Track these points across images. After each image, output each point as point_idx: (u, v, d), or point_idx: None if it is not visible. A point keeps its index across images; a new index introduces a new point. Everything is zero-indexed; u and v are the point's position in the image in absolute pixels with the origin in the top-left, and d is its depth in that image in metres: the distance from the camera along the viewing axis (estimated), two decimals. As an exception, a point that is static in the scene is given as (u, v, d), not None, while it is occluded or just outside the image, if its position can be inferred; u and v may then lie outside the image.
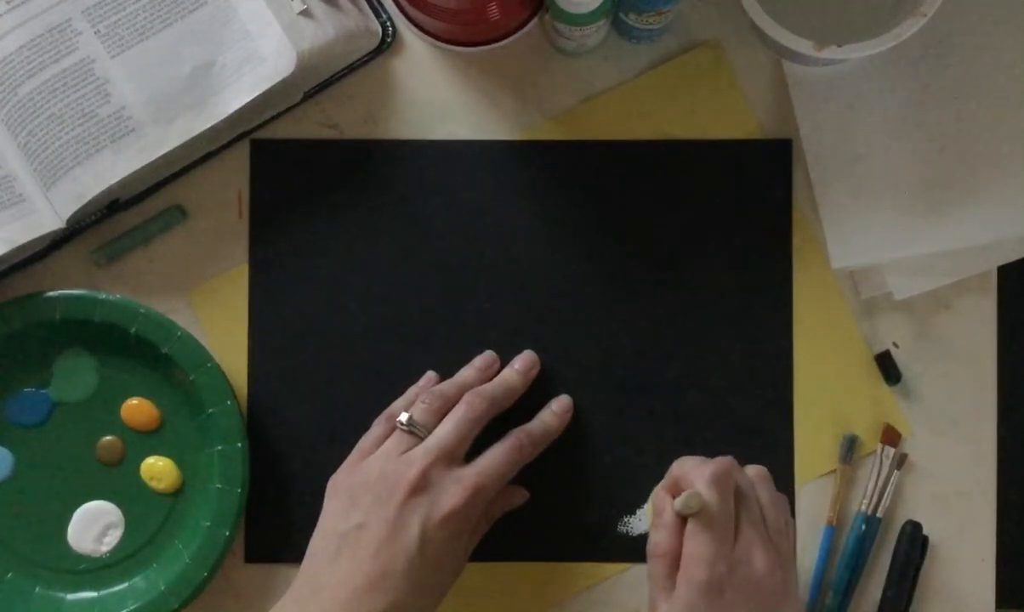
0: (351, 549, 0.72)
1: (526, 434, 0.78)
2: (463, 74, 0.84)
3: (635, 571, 0.82)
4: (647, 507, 0.82)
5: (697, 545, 0.70)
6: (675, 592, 0.71)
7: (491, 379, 0.80)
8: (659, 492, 0.75)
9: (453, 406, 0.77)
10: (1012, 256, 0.81)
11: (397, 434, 0.76)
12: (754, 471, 0.76)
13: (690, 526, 0.71)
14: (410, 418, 0.76)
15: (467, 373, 0.80)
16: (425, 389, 0.79)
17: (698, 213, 0.83)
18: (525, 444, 0.78)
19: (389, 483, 0.73)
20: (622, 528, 0.82)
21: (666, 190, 0.83)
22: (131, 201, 0.83)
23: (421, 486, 0.73)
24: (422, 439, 0.75)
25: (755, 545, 0.71)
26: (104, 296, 0.81)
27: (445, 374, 0.81)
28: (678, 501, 0.71)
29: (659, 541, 0.72)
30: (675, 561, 0.72)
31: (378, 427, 0.78)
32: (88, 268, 0.83)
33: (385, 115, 0.84)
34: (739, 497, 0.73)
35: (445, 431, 0.75)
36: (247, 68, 0.79)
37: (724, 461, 0.74)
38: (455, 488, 0.73)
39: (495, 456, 0.76)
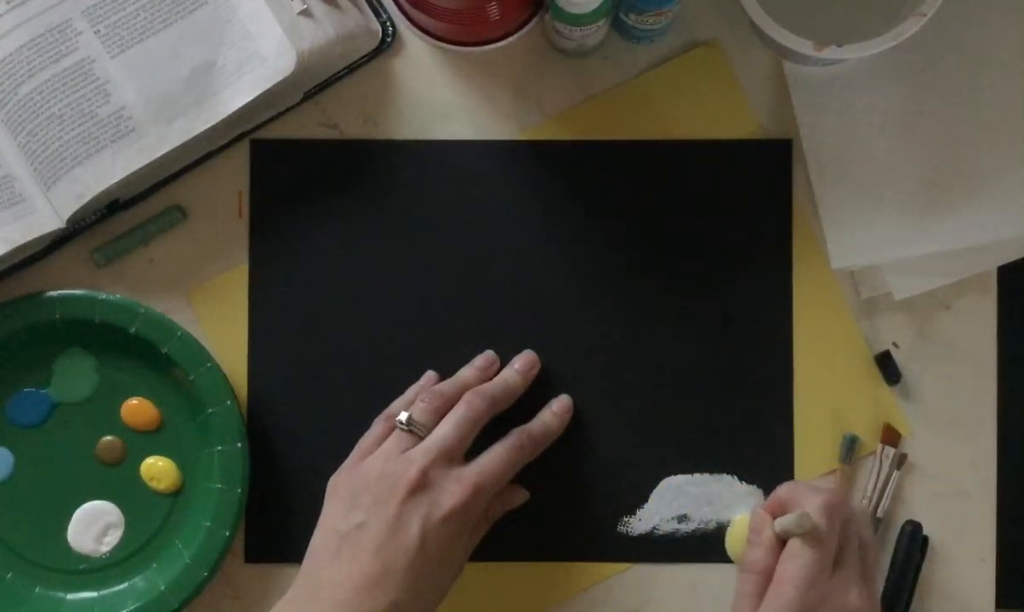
0: (352, 548, 0.72)
1: (526, 434, 0.78)
2: (463, 74, 0.84)
3: (635, 571, 0.82)
4: (737, 519, 0.81)
5: (795, 567, 0.70)
6: (762, 608, 0.70)
7: (491, 379, 0.80)
8: (759, 511, 0.74)
9: (453, 406, 0.77)
10: (1012, 256, 0.81)
11: (397, 433, 0.76)
12: (860, 509, 0.76)
13: (791, 546, 0.71)
14: (409, 417, 0.76)
15: (467, 373, 0.80)
16: (425, 389, 0.79)
17: (698, 213, 0.83)
18: (525, 444, 0.78)
19: (389, 482, 0.73)
20: (622, 528, 0.82)
21: (666, 190, 0.83)
22: (131, 201, 0.83)
23: (421, 485, 0.73)
24: (422, 438, 0.75)
25: (853, 581, 0.70)
26: (104, 296, 0.81)
27: (445, 374, 0.81)
28: (785, 520, 0.71)
29: (757, 558, 0.72)
30: (767, 580, 0.71)
31: (378, 426, 0.78)
32: (88, 268, 0.83)
33: (385, 115, 0.84)
34: (844, 530, 0.72)
35: (445, 430, 0.75)
36: (247, 68, 0.79)
37: (838, 492, 0.74)
38: (455, 487, 0.73)
39: (495, 455, 0.76)
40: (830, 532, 0.71)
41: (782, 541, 0.72)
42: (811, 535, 0.70)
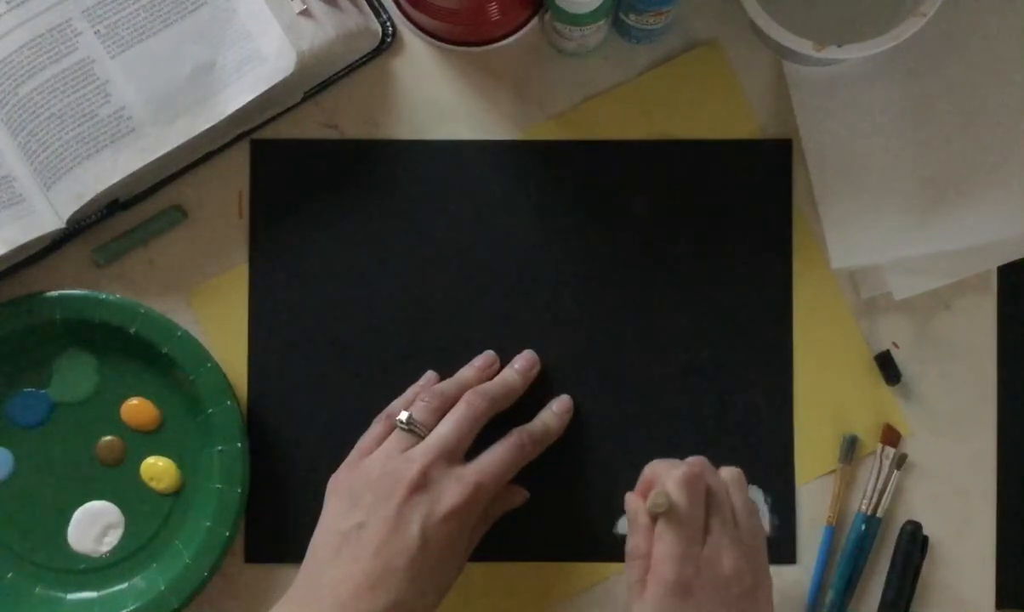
0: (352, 548, 0.72)
1: (527, 434, 0.78)
2: (463, 74, 0.84)
3: (635, 571, 0.82)
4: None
5: (665, 545, 0.70)
6: (644, 592, 0.70)
7: (491, 378, 0.80)
8: (631, 496, 0.74)
9: (453, 405, 0.77)
10: (1012, 256, 0.81)
11: (397, 433, 0.76)
12: (728, 473, 0.75)
13: (658, 526, 0.70)
14: (410, 417, 0.76)
15: (467, 372, 0.80)
16: (425, 388, 0.79)
17: (698, 213, 0.83)
18: (526, 443, 0.78)
19: (389, 482, 0.73)
20: (622, 528, 0.82)
21: (666, 190, 0.83)
22: (131, 201, 0.83)
23: (421, 484, 0.73)
24: (422, 438, 0.75)
25: (724, 547, 0.71)
26: (104, 296, 0.81)
27: (445, 374, 0.81)
28: (648, 501, 0.71)
29: (636, 544, 0.72)
30: (647, 561, 0.71)
31: (378, 426, 0.78)
32: (88, 268, 0.83)
33: (385, 115, 0.84)
34: (710, 499, 0.72)
35: (445, 430, 0.75)
36: (247, 68, 0.79)
37: (695, 462, 0.73)
38: (455, 486, 0.73)
39: (495, 455, 0.76)
40: (692, 504, 0.70)
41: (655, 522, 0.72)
42: (672, 511, 0.70)
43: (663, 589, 0.69)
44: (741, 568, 0.70)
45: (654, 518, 0.71)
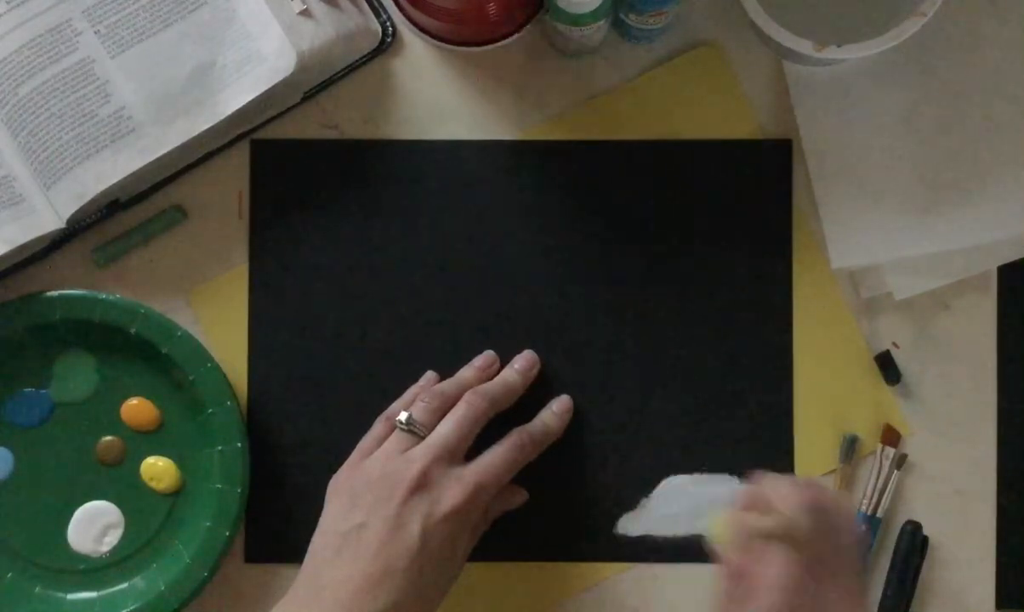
0: (352, 549, 0.72)
1: (527, 434, 0.78)
2: (463, 74, 0.84)
3: (635, 571, 0.82)
4: (709, 519, 0.74)
5: (778, 573, 0.66)
6: None
7: (491, 379, 0.80)
8: (738, 508, 0.70)
9: (453, 405, 0.77)
10: (1012, 256, 0.81)
11: (397, 433, 0.76)
12: (844, 505, 0.71)
13: (772, 549, 0.67)
14: (409, 417, 0.76)
15: (467, 373, 0.80)
16: (425, 389, 0.79)
17: (698, 213, 0.83)
18: (526, 443, 0.78)
19: (390, 482, 0.73)
20: (622, 528, 0.82)
21: (666, 190, 0.83)
22: (131, 201, 0.83)
23: (422, 485, 0.73)
24: (422, 438, 0.75)
25: (838, 584, 0.67)
26: (104, 296, 0.81)
27: (445, 374, 0.81)
28: (765, 521, 0.67)
29: (739, 562, 0.68)
30: (746, 582, 0.67)
31: (378, 426, 0.78)
32: (88, 268, 0.83)
33: (385, 115, 0.84)
34: (826, 528, 0.68)
35: (445, 430, 0.75)
36: (247, 68, 0.79)
37: (822, 489, 0.70)
38: (456, 486, 0.73)
39: (496, 455, 0.76)
40: (816, 534, 0.67)
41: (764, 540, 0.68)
42: (793, 537, 0.66)
43: None
44: (851, 607, 0.67)
45: (766, 538, 0.67)
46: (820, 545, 0.67)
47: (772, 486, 0.70)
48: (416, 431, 0.76)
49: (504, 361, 0.82)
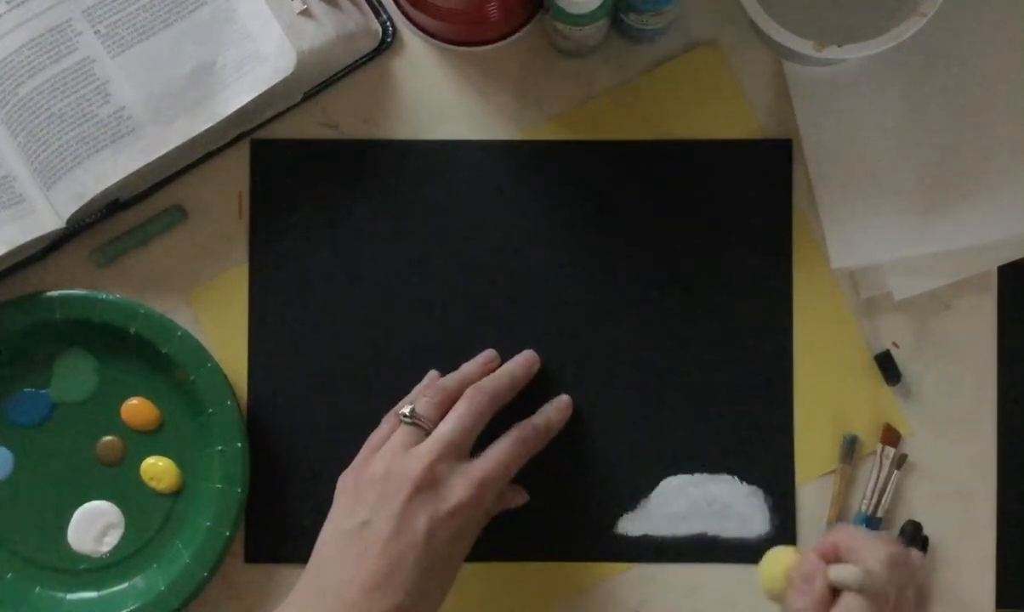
0: (357, 547, 0.72)
1: (531, 427, 0.78)
2: (463, 74, 0.84)
3: (635, 571, 0.82)
4: (775, 553, 0.71)
5: None
6: None
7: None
8: (812, 556, 0.67)
9: (456, 399, 0.77)
10: (1012, 256, 0.81)
11: (401, 428, 0.76)
12: (918, 559, 0.70)
13: (846, 601, 0.65)
14: (413, 410, 0.76)
15: (470, 367, 0.80)
16: (428, 386, 0.79)
17: (698, 213, 0.83)
18: (529, 437, 0.78)
19: (395, 480, 0.73)
20: (622, 528, 0.82)
21: (666, 190, 0.83)
22: (131, 201, 0.83)
23: (427, 481, 0.73)
24: (427, 432, 0.75)
25: None
26: (104, 296, 0.81)
27: (445, 374, 0.81)
28: (843, 571, 0.65)
29: (804, 608, 0.66)
30: None
31: (386, 424, 0.78)
32: (88, 268, 0.83)
33: (385, 115, 0.84)
34: (903, 585, 0.67)
35: (449, 426, 0.75)
36: (247, 68, 0.79)
37: (900, 547, 0.68)
38: (461, 482, 0.73)
39: (500, 450, 0.76)
40: (894, 590, 0.65)
41: (834, 592, 0.66)
42: (871, 591, 0.64)
43: None
44: None
45: (836, 588, 0.66)
46: (894, 601, 0.66)
47: (850, 537, 0.68)
48: (421, 424, 0.75)
49: (504, 361, 0.82)
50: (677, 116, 0.83)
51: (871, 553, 0.66)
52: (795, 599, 0.67)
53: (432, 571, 0.72)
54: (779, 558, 0.70)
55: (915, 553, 0.70)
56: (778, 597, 0.69)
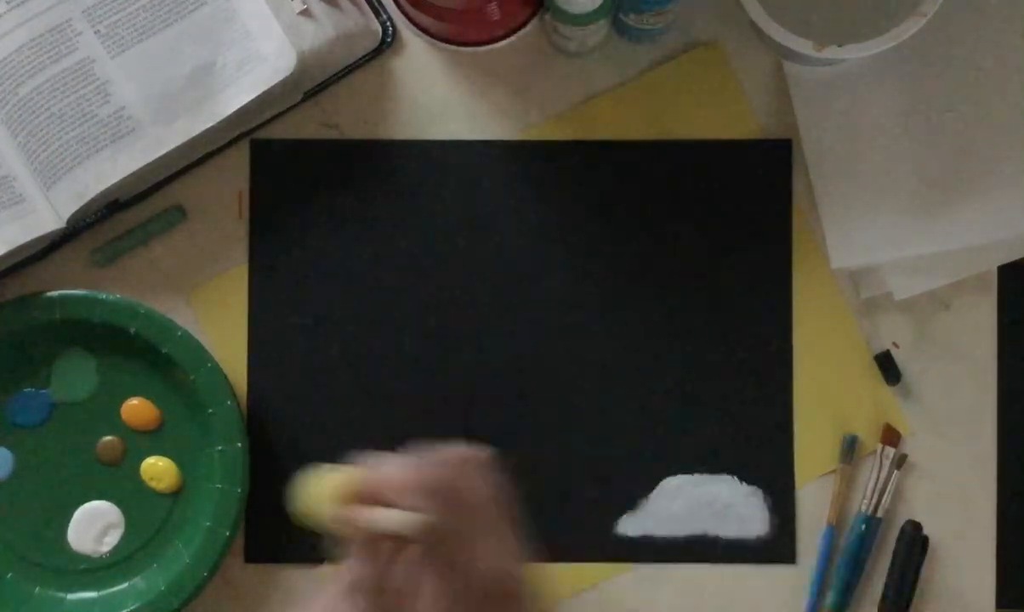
0: None
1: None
2: (463, 74, 0.84)
3: (635, 571, 0.82)
4: (319, 476, 0.63)
5: (430, 580, 0.57)
6: None
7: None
8: (347, 507, 0.59)
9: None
10: (1012, 256, 0.81)
11: None
12: (467, 455, 0.62)
13: (412, 553, 0.58)
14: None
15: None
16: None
17: (698, 213, 0.83)
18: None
19: None
20: (622, 528, 0.82)
21: (666, 190, 0.83)
22: (131, 201, 0.83)
23: None
24: None
25: (497, 559, 0.59)
26: (104, 296, 0.81)
27: (444, 375, 0.81)
28: (386, 520, 0.58)
29: (359, 570, 0.59)
30: (386, 595, 0.58)
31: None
32: (88, 268, 0.83)
33: (385, 115, 0.84)
34: (462, 499, 0.59)
35: None
36: (247, 68, 0.79)
37: (438, 463, 0.60)
38: None
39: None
40: (445, 513, 0.58)
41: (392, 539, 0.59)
42: (425, 532, 0.57)
43: None
44: (507, 567, 0.60)
45: (398, 541, 0.58)
46: (458, 521, 0.58)
47: (382, 474, 0.60)
48: None
49: (502, 363, 0.82)
50: (677, 116, 0.83)
51: (407, 489, 0.58)
52: (357, 568, 0.60)
53: None
54: (322, 481, 0.63)
55: (462, 454, 0.62)
56: (314, 520, 0.63)
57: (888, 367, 0.82)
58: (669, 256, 0.83)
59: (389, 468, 0.60)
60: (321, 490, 0.62)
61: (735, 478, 0.82)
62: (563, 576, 0.82)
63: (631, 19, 0.78)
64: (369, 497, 0.60)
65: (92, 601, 0.82)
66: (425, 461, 0.61)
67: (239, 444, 0.80)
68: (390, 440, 0.82)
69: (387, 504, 0.59)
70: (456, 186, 0.83)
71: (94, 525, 0.82)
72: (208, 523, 0.80)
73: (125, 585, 0.82)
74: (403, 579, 0.58)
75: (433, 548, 0.58)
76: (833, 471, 0.82)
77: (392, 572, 0.59)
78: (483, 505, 0.61)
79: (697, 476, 0.82)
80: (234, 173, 0.84)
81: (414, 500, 0.58)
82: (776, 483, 0.82)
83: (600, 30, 0.79)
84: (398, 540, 0.58)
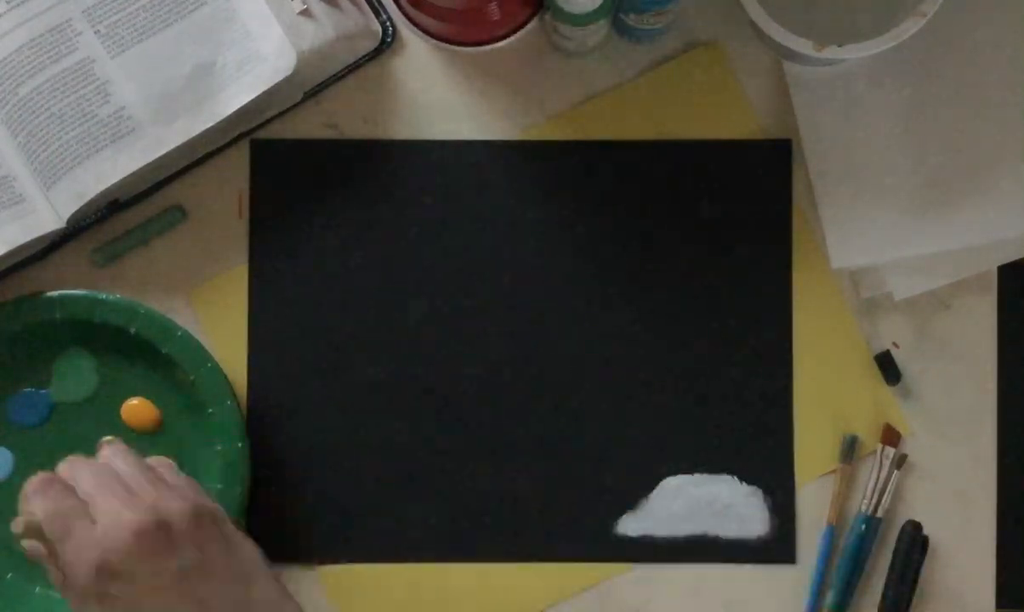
0: None
1: None
2: (463, 74, 0.84)
3: (635, 571, 0.82)
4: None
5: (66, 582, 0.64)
6: None
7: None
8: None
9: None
10: (1012, 256, 0.81)
11: None
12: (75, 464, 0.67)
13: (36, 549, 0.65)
14: None
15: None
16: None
17: (698, 213, 0.83)
18: None
19: None
20: (622, 528, 0.82)
21: (666, 190, 0.83)
22: (131, 201, 0.83)
23: None
24: None
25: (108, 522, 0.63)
26: (104, 296, 0.81)
27: (444, 374, 0.81)
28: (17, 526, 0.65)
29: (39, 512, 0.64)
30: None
31: None
32: (88, 268, 0.83)
33: (385, 115, 0.84)
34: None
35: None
36: (247, 68, 0.79)
37: (41, 476, 0.66)
38: None
39: None
40: (51, 516, 0.64)
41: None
42: (41, 534, 0.65)
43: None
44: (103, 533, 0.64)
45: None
46: (62, 525, 0.64)
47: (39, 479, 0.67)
48: None
49: (501, 361, 0.82)
50: (677, 116, 0.83)
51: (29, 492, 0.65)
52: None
53: None
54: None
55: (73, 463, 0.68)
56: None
57: (888, 367, 0.82)
58: (669, 256, 0.83)
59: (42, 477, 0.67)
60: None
61: (735, 478, 0.82)
62: (563, 576, 0.82)
63: (631, 19, 0.78)
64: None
65: (92, 601, 0.82)
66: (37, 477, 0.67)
67: (239, 444, 0.80)
68: (389, 439, 0.83)
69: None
70: (456, 186, 0.83)
71: (94, 525, 0.82)
72: (208, 523, 0.80)
73: (125, 585, 0.82)
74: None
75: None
76: (833, 471, 0.82)
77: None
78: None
79: (697, 476, 0.82)
80: (234, 173, 0.84)
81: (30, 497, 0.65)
82: (776, 483, 0.82)
83: (600, 30, 0.79)
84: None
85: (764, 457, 0.82)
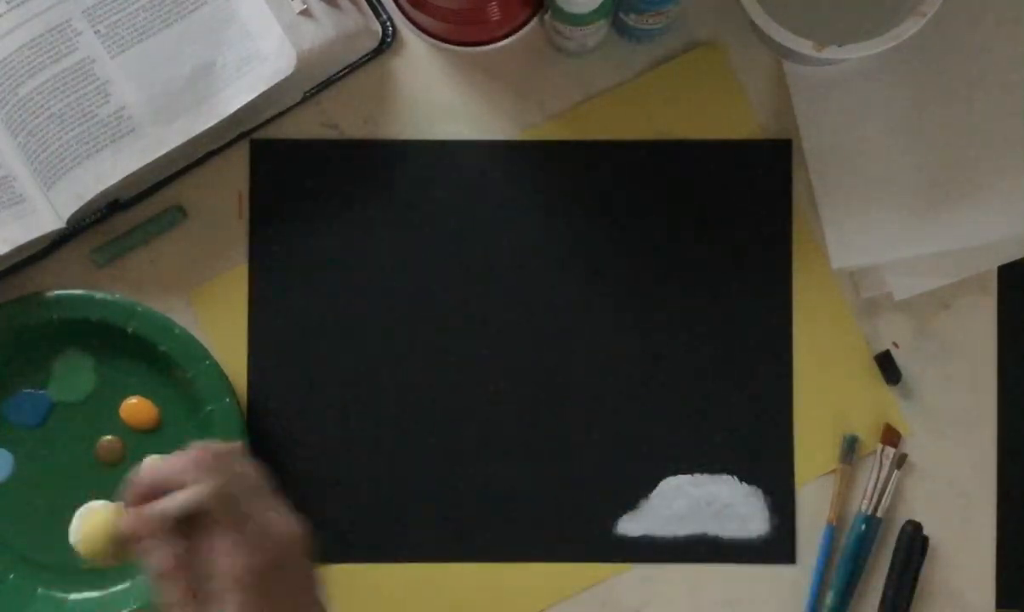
0: None
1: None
2: (463, 74, 0.84)
3: (635, 571, 0.82)
4: (92, 509, 0.68)
5: (232, 559, 0.61)
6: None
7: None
8: (131, 511, 0.64)
9: None
10: (1012, 256, 0.81)
11: None
12: (228, 446, 0.67)
13: (212, 532, 0.62)
14: None
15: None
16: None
17: (698, 213, 0.83)
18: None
19: None
20: (622, 528, 0.82)
21: (666, 190, 0.83)
22: (131, 201, 0.83)
23: None
24: None
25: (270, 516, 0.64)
26: (101, 295, 0.81)
27: (444, 374, 0.81)
28: (178, 498, 0.62)
29: (164, 557, 0.62)
30: (191, 576, 0.62)
31: None
32: (88, 268, 0.83)
33: (385, 115, 0.84)
34: (236, 473, 0.64)
35: None
36: (247, 68, 0.79)
37: (202, 449, 0.64)
38: None
39: None
40: (227, 484, 0.63)
41: (183, 532, 0.62)
42: (217, 498, 0.62)
43: (241, 601, 0.61)
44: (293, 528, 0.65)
45: (186, 515, 0.62)
46: (238, 486, 0.63)
47: (156, 469, 0.64)
48: None
49: (500, 360, 0.82)
50: (677, 116, 0.83)
51: (185, 468, 0.63)
52: (151, 557, 0.63)
53: None
54: (93, 516, 0.67)
55: (221, 446, 0.66)
56: (102, 556, 0.66)
57: (888, 367, 0.82)
58: (669, 256, 0.83)
59: (160, 463, 0.65)
60: (96, 525, 0.67)
61: (735, 478, 0.82)
62: (563, 576, 0.82)
63: (631, 19, 0.78)
64: (151, 493, 0.64)
65: (94, 601, 0.82)
66: (187, 451, 0.65)
67: (239, 442, 0.80)
68: (389, 439, 0.83)
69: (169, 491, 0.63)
70: (456, 186, 0.83)
71: (94, 525, 0.82)
72: (208, 523, 0.80)
73: (127, 585, 0.82)
74: (204, 550, 0.62)
75: (222, 515, 0.62)
76: (833, 471, 0.82)
77: (192, 550, 0.62)
78: (254, 477, 0.66)
79: (697, 476, 0.82)
80: (234, 173, 0.84)
81: (195, 475, 0.63)
82: (776, 483, 0.82)
83: (600, 30, 0.79)
84: (189, 520, 0.62)
85: (764, 457, 0.82)
